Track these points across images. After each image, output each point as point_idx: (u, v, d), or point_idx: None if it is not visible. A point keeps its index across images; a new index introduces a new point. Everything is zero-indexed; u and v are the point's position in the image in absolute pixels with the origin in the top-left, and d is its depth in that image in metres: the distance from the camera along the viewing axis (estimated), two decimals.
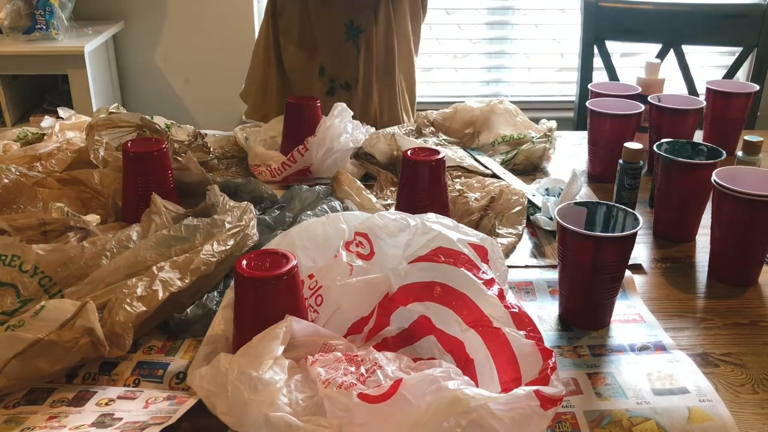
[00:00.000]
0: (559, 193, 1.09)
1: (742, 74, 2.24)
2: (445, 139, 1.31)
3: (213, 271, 0.80)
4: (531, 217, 1.04)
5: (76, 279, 0.78)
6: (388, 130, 1.25)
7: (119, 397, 0.68)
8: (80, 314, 0.69)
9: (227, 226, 0.84)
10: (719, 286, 0.91)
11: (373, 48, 1.39)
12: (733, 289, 0.90)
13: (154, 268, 0.77)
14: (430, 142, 1.27)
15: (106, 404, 0.66)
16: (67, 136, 1.15)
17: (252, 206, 0.89)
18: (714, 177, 0.89)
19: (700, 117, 1.21)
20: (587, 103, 1.21)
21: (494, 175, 1.17)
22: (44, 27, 2.33)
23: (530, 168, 1.24)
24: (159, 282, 0.75)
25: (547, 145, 1.25)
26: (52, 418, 0.64)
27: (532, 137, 1.28)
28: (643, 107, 1.18)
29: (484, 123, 1.33)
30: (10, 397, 0.68)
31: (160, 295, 0.74)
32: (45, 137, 1.17)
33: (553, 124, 1.31)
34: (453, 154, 1.21)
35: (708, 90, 1.29)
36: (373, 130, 1.23)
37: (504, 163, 1.23)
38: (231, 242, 0.82)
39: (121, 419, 0.63)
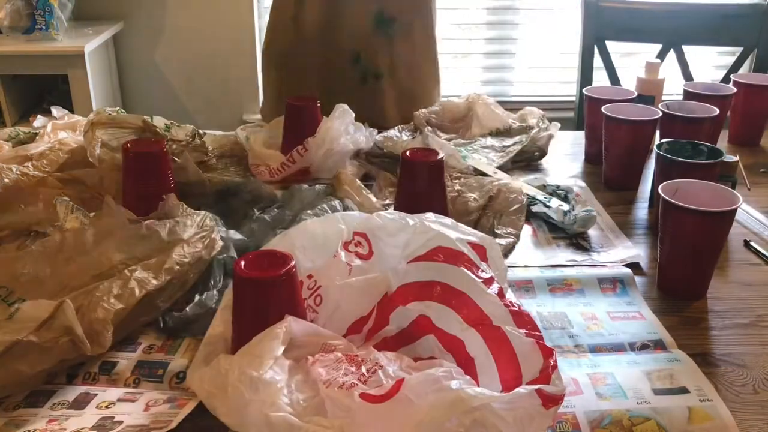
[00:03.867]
0: (565, 196, 1.09)
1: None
2: (446, 139, 1.31)
3: (186, 273, 0.80)
4: (532, 208, 1.05)
5: (37, 285, 0.77)
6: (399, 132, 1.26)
7: (119, 400, 0.68)
8: (58, 313, 0.69)
9: (193, 230, 0.84)
10: (720, 286, 0.90)
11: (410, 37, 1.41)
12: (733, 289, 0.90)
13: (126, 271, 0.76)
14: None
15: (107, 407, 0.66)
16: (59, 137, 1.14)
17: (210, 215, 0.88)
18: (660, 191, 0.87)
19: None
20: (603, 108, 1.17)
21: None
22: (44, 27, 2.33)
23: (532, 159, 1.25)
24: (134, 281, 0.75)
25: (552, 132, 1.26)
26: (52, 420, 0.64)
27: (530, 127, 1.29)
28: (660, 113, 1.16)
29: (471, 117, 1.35)
30: (10, 400, 0.68)
31: (137, 293, 0.74)
32: (37, 137, 1.16)
33: (539, 111, 1.33)
34: (457, 163, 1.20)
35: (735, 83, 1.34)
36: (375, 132, 1.24)
37: (517, 154, 1.23)
38: (200, 245, 0.82)
39: (121, 422, 0.63)
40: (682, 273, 0.88)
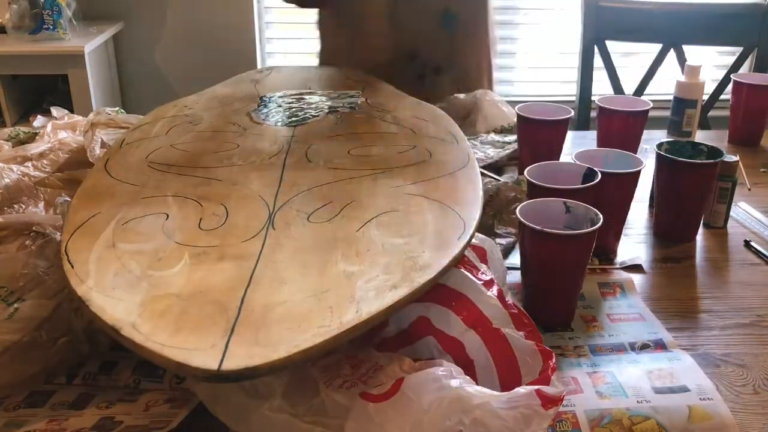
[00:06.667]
0: None
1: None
2: None
3: None
4: None
5: (36, 285, 0.76)
6: None
7: (119, 400, 0.68)
8: (57, 313, 0.69)
9: None
10: (720, 286, 0.91)
11: (468, 30, 1.43)
12: (733, 289, 0.90)
13: None
14: None
15: (107, 407, 0.66)
16: (59, 137, 1.14)
17: None
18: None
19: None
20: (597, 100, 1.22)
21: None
22: (51, 27, 2.33)
23: None
24: None
25: None
26: (52, 421, 0.64)
27: None
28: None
29: (476, 113, 1.35)
30: (10, 400, 0.68)
31: None
32: (37, 137, 1.16)
33: None
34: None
35: (735, 83, 1.35)
36: None
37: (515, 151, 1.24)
38: None
39: (121, 422, 0.63)
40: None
